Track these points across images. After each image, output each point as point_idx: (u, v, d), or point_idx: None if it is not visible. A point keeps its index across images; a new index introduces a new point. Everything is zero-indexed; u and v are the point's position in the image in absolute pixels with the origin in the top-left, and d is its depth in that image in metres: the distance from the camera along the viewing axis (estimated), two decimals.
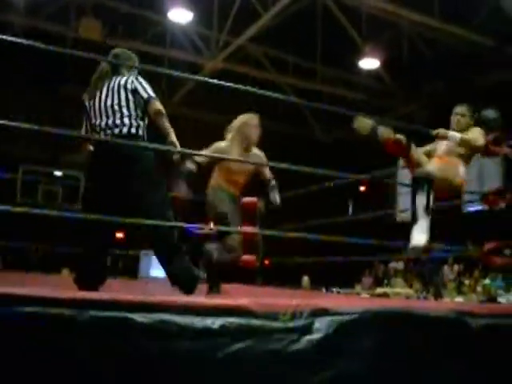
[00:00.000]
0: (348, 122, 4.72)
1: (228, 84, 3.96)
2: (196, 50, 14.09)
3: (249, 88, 4.03)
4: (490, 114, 4.13)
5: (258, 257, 6.67)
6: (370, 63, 14.25)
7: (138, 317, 2.27)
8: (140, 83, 3.80)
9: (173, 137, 3.76)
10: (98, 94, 3.84)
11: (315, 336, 2.55)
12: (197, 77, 4.00)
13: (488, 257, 4.05)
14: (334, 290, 11.95)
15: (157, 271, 15.22)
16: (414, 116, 14.89)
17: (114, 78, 3.86)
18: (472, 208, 13.39)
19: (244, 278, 6.65)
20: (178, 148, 3.75)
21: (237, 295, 3.31)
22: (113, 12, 13.43)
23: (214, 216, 4.71)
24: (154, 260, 14.73)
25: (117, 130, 3.70)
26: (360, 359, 2.64)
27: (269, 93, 4.05)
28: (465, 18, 12.44)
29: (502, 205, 4.35)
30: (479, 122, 4.10)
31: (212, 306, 2.46)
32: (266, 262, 6.99)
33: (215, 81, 4.04)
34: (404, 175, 12.17)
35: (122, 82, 3.81)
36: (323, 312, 2.61)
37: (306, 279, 11.49)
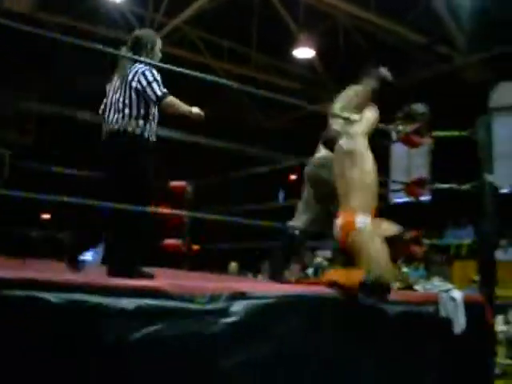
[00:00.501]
0: (284, 110, 4.72)
1: (167, 66, 3.89)
2: (130, 29, 13.80)
3: (198, 74, 3.92)
4: (418, 108, 4.23)
5: (185, 242, 6.64)
6: (304, 52, 14.33)
7: (50, 296, 2.22)
8: (147, 81, 3.75)
9: (192, 110, 3.84)
10: (113, 83, 3.93)
11: (232, 319, 2.56)
12: (131, 56, 3.86)
13: (407, 246, 4.15)
14: (261, 275, 12.04)
15: (85, 254, 14.91)
16: None
17: (127, 68, 3.84)
18: (399, 199, 13.77)
19: (170, 263, 6.60)
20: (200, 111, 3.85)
21: (156, 278, 3.28)
22: None
23: None
24: None
25: (116, 127, 3.75)
26: (275, 342, 2.68)
27: (210, 77, 3.96)
28: (399, 14, 12.70)
29: (424, 195, 4.47)
30: (409, 116, 4.19)
31: (127, 287, 2.43)
32: (195, 247, 6.95)
33: (150, 60, 3.92)
34: None
35: (130, 78, 3.79)
36: (241, 296, 2.63)
37: (233, 265, 11.51)
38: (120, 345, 2.34)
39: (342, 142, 3.58)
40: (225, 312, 2.55)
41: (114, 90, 3.89)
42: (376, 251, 3.24)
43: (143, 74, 3.76)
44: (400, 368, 3.27)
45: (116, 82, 3.91)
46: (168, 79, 3.89)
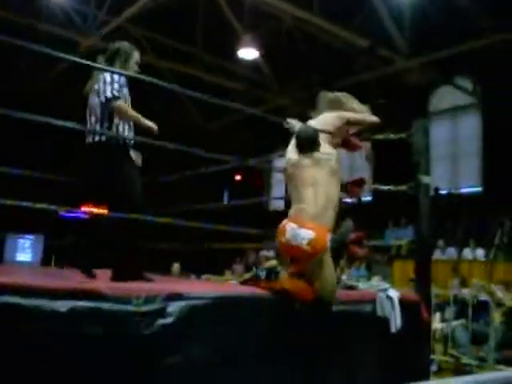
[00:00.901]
0: (225, 112, 4.72)
1: (96, 65, 3.90)
2: (73, 26, 13.54)
3: (129, 74, 3.92)
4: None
5: None
6: (249, 53, 14.37)
7: None
8: (104, 82, 3.81)
9: (144, 121, 3.88)
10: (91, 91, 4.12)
11: (167, 320, 2.54)
12: (73, 58, 3.79)
13: (350, 248, 4.20)
14: (204, 276, 11.99)
15: (23, 255, 14.57)
16: (286, 109, 15.22)
17: (101, 77, 3.89)
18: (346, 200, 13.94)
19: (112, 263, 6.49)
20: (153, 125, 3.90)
21: (93, 279, 3.23)
22: None
23: None
24: (20, 244, 13.92)
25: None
26: (211, 343, 2.67)
27: (148, 78, 3.92)
28: (343, 17, 12.87)
29: (363, 195, 4.52)
30: None
31: (61, 289, 2.38)
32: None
33: (89, 63, 3.86)
34: (279, 164, 12.40)
35: (98, 87, 3.90)
36: (177, 297, 2.61)
37: (176, 266, 11.42)
38: (54, 346, 2.29)
39: (326, 157, 3.50)
40: (161, 313, 2.53)
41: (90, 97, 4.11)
42: (331, 272, 3.27)
43: (104, 78, 3.83)
44: (337, 366, 3.31)
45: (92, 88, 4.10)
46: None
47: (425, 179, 4.30)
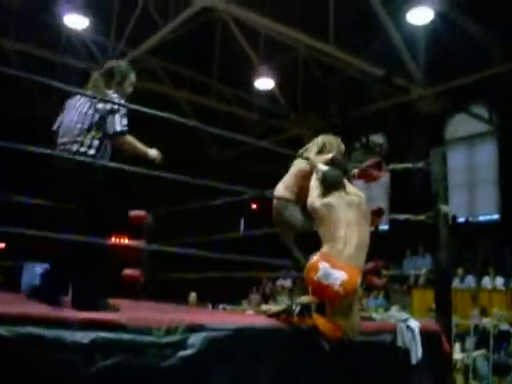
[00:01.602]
0: (242, 143, 4.76)
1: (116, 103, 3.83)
2: (92, 58, 13.79)
3: (141, 108, 3.88)
4: (377, 139, 4.30)
5: (144, 272, 6.56)
6: (265, 83, 14.50)
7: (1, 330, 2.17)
8: (112, 109, 3.64)
9: (149, 151, 3.80)
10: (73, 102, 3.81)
11: (189, 351, 2.54)
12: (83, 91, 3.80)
13: (367, 277, 4.19)
14: (221, 306, 11.94)
15: None
16: (303, 138, 15.29)
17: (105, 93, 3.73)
18: None
19: (129, 293, 6.50)
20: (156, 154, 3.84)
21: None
22: (3, 10, 12.88)
23: None
24: (38, 272, 14.01)
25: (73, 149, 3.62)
26: (233, 374, 2.65)
27: (174, 117, 3.95)
28: (357, 47, 12.98)
29: (381, 224, 4.51)
30: (367, 147, 4.25)
31: (82, 320, 2.39)
32: (153, 277, 6.86)
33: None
34: None
35: (95, 101, 3.67)
36: (198, 327, 2.61)
37: (193, 295, 11.38)
38: (77, 379, 2.29)
39: (358, 199, 3.57)
40: (182, 344, 2.53)
41: (74, 109, 3.77)
42: (357, 312, 3.31)
43: (110, 108, 3.66)
44: None
45: (78, 101, 3.79)
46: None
47: (444, 208, 4.28)
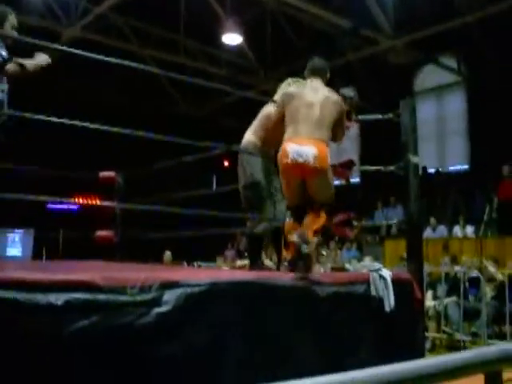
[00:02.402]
0: (213, 97, 4.74)
1: (87, 54, 3.72)
2: (54, 16, 13.39)
3: (112, 59, 3.79)
4: (347, 92, 4.29)
5: (117, 232, 6.53)
6: (232, 39, 14.28)
7: None
8: None
9: (39, 61, 3.87)
10: None
11: (164, 308, 2.54)
12: (55, 45, 3.74)
13: (339, 229, 4.22)
14: (196, 263, 12.00)
15: (13, 250, 14.50)
16: (272, 94, 15.18)
17: None
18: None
19: (102, 253, 6.48)
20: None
21: (87, 271, 3.21)
22: None
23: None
24: (10, 238, 13.82)
25: None
26: (209, 330, 2.67)
27: (131, 64, 3.87)
28: (325, 0, 12.82)
29: (352, 177, 4.55)
30: None
31: (55, 281, 2.37)
32: (127, 237, 6.84)
33: (73, 49, 3.80)
34: None
35: None
36: (172, 285, 2.61)
37: (167, 254, 11.43)
38: (50, 340, 2.28)
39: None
40: (157, 302, 2.53)
41: None
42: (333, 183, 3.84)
43: None
44: (332, 347, 3.33)
45: None
46: (89, 65, 3.80)
47: (413, 159, 4.31)
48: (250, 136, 4.50)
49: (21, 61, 3.90)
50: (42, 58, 3.94)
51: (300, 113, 3.72)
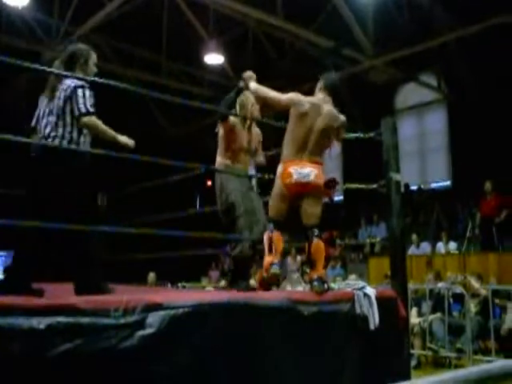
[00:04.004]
0: (196, 117, 4.78)
1: (68, 74, 3.71)
2: (34, 37, 13.36)
3: (95, 79, 3.84)
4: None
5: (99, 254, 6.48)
6: (214, 58, 14.35)
7: None
8: (76, 95, 3.59)
9: (118, 137, 3.73)
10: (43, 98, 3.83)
11: (148, 331, 2.52)
12: (37, 66, 3.73)
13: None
14: (180, 284, 11.94)
15: None
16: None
17: (58, 82, 3.70)
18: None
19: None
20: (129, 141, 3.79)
21: (70, 294, 3.19)
22: None
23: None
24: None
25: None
26: (195, 351, 2.66)
27: (117, 84, 3.92)
28: (306, 20, 12.93)
29: (335, 195, 4.57)
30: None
31: (37, 305, 2.35)
32: (110, 259, 6.79)
33: (54, 70, 3.81)
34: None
35: (64, 87, 3.63)
36: (156, 307, 2.60)
37: (151, 275, 11.34)
38: (34, 364, 2.26)
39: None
40: (140, 324, 2.51)
41: (45, 105, 3.79)
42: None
43: (75, 88, 3.62)
44: (317, 366, 3.32)
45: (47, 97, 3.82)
46: None
47: (395, 177, 4.35)
48: (220, 159, 4.63)
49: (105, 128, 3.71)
50: (124, 137, 3.79)
51: (305, 137, 3.91)
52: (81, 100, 3.57)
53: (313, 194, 3.86)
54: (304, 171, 3.81)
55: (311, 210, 3.88)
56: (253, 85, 4.39)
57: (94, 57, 4.01)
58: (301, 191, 3.84)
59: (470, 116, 13.48)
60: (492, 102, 13.11)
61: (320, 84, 4.29)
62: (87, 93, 3.62)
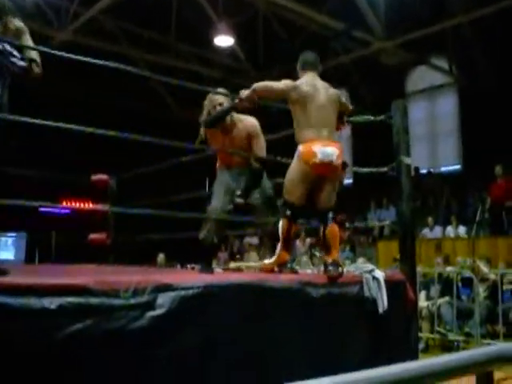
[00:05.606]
0: (204, 99, 4.78)
1: (78, 57, 3.66)
2: (46, 20, 13.33)
3: (104, 62, 3.78)
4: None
5: (110, 235, 6.53)
6: (225, 40, 14.28)
7: None
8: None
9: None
10: None
11: (158, 311, 2.54)
12: (45, 48, 3.70)
13: None
14: (189, 266, 11.96)
15: (5, 254, 14.44)
16: None
17: None
18: None
19: (95, 257, 6.48)
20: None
21: (80, 274, 3.21)
22: None
23: None
24: (2, 242, 13.74)
25: None
26: (204, 332, 2.67)
27: (126, 67, 3.89)
28: (317, 1, 12.82)
29: (345, 178, 4.56)
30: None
31: (48, 286, 2.36)
32: (120, 240, 6.84)
33: (64, 53, 3.77)
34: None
35: None
36: (166, 287, 2.61)
37: (161, 256, 11.41)
38: (44, 344, 2.28)
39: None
40: (150, 305, 2.53)
41: None
42: None
43: None
44: (326, 349, 3.34)
45: None
46: (83, 70, 3.74)
47: (406, 160, 4.32)
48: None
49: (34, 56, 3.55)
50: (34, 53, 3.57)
51: (316, 116, 3.86)
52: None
53: (334, 175, 3.84)
54: (328, 151, 3.74)
55: (331, 193, 3.85)
56: (247, 91, 4.45)
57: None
58: (323, 172, 3.78)
59: (481, 100, 13.35)
60: (504, 87, 12.98)
61: (299, 65, 4.28)
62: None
